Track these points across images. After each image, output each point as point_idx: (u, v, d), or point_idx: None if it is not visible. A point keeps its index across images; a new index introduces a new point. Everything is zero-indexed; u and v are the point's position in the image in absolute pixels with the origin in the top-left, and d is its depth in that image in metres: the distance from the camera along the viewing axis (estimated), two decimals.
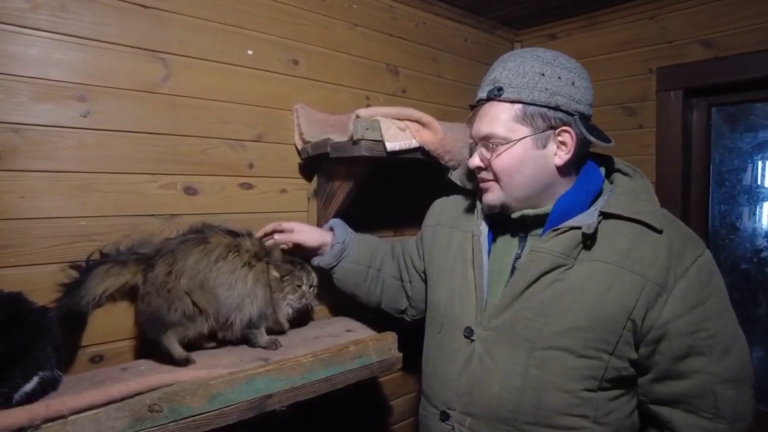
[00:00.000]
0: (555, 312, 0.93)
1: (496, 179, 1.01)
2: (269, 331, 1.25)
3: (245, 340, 1.21)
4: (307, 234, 1.34)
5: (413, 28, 1.88)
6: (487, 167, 1.02)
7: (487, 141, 1.00)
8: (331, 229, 1.38)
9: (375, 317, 1.47)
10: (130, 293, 1.16)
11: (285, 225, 1.34)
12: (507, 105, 0.97)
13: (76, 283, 1.07)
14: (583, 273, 0.94)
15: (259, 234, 1.31)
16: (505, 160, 0.98)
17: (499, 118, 0.98)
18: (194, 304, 1.10)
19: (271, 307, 1.22)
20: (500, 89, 0.97)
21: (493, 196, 1.03)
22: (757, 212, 1.90)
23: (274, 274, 1.22)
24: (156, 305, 1.08)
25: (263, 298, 1.18)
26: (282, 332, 1.28)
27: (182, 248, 1.12)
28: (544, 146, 0.98)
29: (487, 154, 1.01)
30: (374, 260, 1.36)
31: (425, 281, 1.30)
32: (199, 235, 1.16)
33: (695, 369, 0.90)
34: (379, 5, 1.76)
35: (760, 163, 1.89)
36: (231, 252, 1.15)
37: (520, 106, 0.96)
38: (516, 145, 0.97)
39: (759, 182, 1.90)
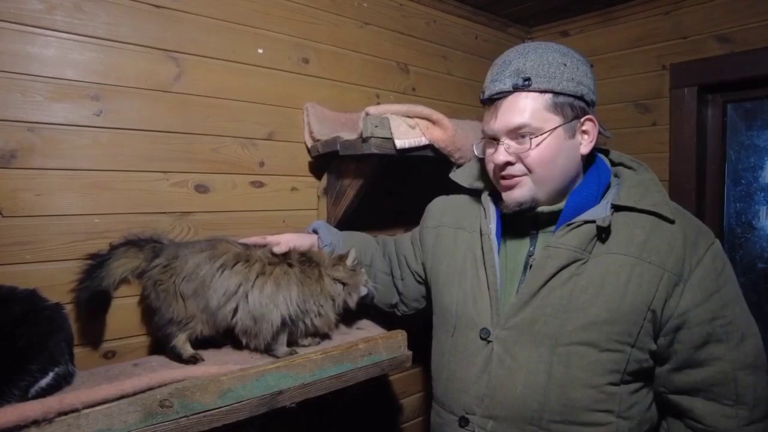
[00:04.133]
0: (576, 307, 0.92)
1: (529, 173, 0.98)
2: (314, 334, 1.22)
3: (267, 349, 1.15)
4: (295, 242, 1.28)
5: (424, 26, 1.87)
6: (517, 162, 0.98)
7: (516, 134, 0.97)
8: (315, 232, 1.36)
9: (384, 316, 1.47)
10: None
11: (270, 239, 1.26)
12: (536, 95, 0.95)
13: (97, 265, 1.08)
14: (601, 267, 0.93)
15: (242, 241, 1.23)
16: (541, 151, 0.95)
17: (530, 109, 0.95)
18: (186, 309, 1.08)
19: (314, 303, 1.16)
20: (528, 79, 0.94)
21: (523, 191, 0.99)
22: None
23: (353, 256, 1.22)
24: (156, 305, 1.09)
25: (297, 296, 1.12)
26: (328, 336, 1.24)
27: (187, 248, 1.12)
28: (573, 135, 0.97)
29: (519, 147, 0.97)
30: (364, 258, 1.34)
31: (421, 282, 1.29)
32: (210, 242, 1.14)
33: (715, 356, 0.90)
34: (390, 3, 1.76)
35: None
36: (240, 262, 1.11)
37: (550, 95, 0.94)
38: (550, 135, 0.95)
39: None
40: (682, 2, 1.86)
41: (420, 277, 1.29)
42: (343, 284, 1.20)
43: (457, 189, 1.22)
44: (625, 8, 2.00)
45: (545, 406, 0.93)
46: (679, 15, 1.87)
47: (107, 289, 1.09)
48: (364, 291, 1.25)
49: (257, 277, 1.11)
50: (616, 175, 1.05)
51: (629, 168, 1.04)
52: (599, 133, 1.00)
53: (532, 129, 0.95)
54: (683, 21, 1.87)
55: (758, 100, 1.85)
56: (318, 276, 1.17)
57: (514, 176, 1.00)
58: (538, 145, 0.95)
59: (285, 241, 1.25)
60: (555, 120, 0.95)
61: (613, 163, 1.08)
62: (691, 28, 1.85)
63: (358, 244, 1.36)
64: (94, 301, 1.10)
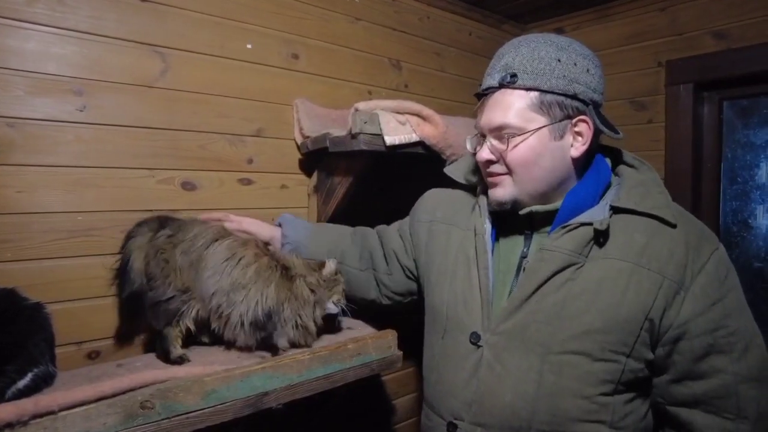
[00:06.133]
0: (570, 314, 0.88)
1: (510, 173, 0.95)
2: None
3: (265, 345, 1.11)
4: (258, 226, 1.26)
5: (417, 22, 1.85)
6: (499, 160, 0.95)
7: (500, 132, 0.93)
8: (280, 225, 1.32)
9: (377, 315, 1.45)
10: None
11: (233, 217, 1.27)
12: (522, 92, 0.90)
13: (123, 273, 1.07)
14: (597, 272, 0.88)
15: (203, 217, 1.22)
16: (521, 151, 0.91)
17: (514, 107, 0.91)
18: (182, 282, 1.07)
19: (290, 310, 1.11)
20: (514, 75, 0.90)
21: (505, 191, 0.96)
22: None
23: (331, 268, 1.17)
24: (154, 273, 1.06)
25: (274, 297, 1.08)
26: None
27: (189, 221, 1.12)
28: (561, 137, 0.91)
29: (500, 146, 0.93)
30: (333, 255, 1.28)
31: (411, 278, 1.24)
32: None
33: (716, 368, 0.86)
34: None
35: None
36: (233, 238, 1.11)
37: (536, 93, 0.90)
38: (532, 135, 0.90)
39: None
40: None
41: (411, 273, 1.24)
42: (314, 293, 1.14)
43: (451, 185, 1.18)
44: (621, 4, 1.98)
45: (534, 416, 0.89)
46: (675, 11, 1.86)
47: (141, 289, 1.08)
48: (334, 309, 1.18)
49: (243, 257, 1.09)
50: (617, 174, 1.00)
51: (631, 166, 0.99)
52: (601, 133, 0.94)
53: (514, 129, 0.91)
54: (679, 17, 1.85)
55: (754, 98, 1.83)
56: (291, 278, 1.13)
57: (496, 174, 0.97)
58: (516, 145, 0.92)
59: (238, 221, 1.24)
60: (539, 120, 0.91)
61: (616, 162, 1.02)
62: (687, 24, 1.83)
63: (327, 240, 1.30)
64: (133, 300, 1.09)
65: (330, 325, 1.24)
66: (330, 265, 1.17)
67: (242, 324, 1.08)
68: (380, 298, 1.32)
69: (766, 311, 1.83)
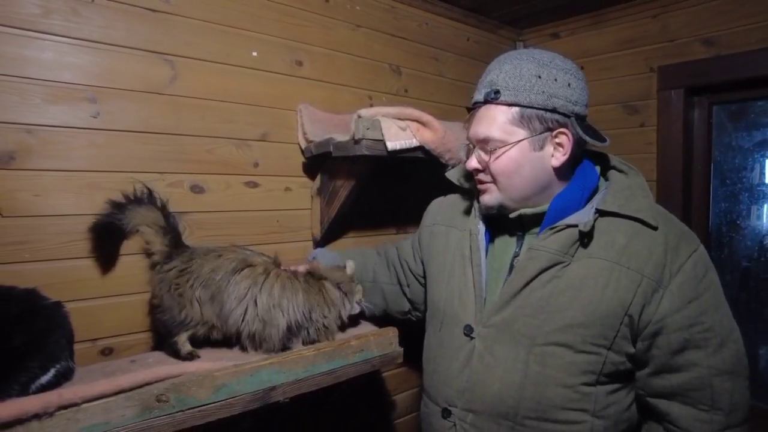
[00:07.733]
0: (554, 309, 0.95)
1: (494, 181, 1.03)
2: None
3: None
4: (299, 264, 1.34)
5: (415, 28, 1.90)
6: (485, 169, 1.03)
7: (484, 144, 1.01)
8: (315, 259, 1.39)
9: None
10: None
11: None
12: (504, 108, 0.98)
13: (131, 201, 1.14)
14: (580, 270, 0.95)
15: None
16: (502, 162, 0.99)
17: (497, 121, 0.98)
18: (202, 314, 1.11)
19: (319, 314, 1.20)
20: (497, 92, 0.97)
21: (491, 197, 1.04)
22: (762, 210, 1.90)
23: (352, 267, 1.27)
24: (168, 305, 1.11)
25: (303, 304, 1.16)
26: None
27: (200, 253, 1.14)
28: (542, 148, 0.98)
29: (485, 157, 1.01)
30: (366, 274, 1.39)
31: (423, 285, 1.32)
32: (218, 247, 1.17)
33: (692, 362, 0.92)
34: (381, 6, 1.78)
35: (762, 161, 1.89)
36: (248, 266, 1.14)
37: (517, 109, 0.97)
38: (513, 147, 0.98)
39: (760, 180, 1.90)
40: (669, 5, 1.89)
41: (422, 278, 1.31)
42: (341, 290, 1.23)
43: (453, 188, 1.25)
44: (615, 11, 2.03)
45: (520, 403, 0.96)
46: (667, 18, 1.91)
47: (125, 227, 1.13)
48: (356, 309, 1.27)
49: (265, 279, 1.13)
50: (607, 179, 1.07)
51: (620, 171, 1.06)
52: (584, 142, 1.00)
53: (497, 141, 0.99)
54: (670, 24, 1.90)
55: (743, 102, 1.89)
56: (320, 286, 1.21)
57: (484, 182, 1.05)
58: (498, 157, 0.99)
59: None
60: (520, 133, 0.98)
61: (607, 167, 1.09)
62: (678, 32, 1.88)
63: (358, 261, 1.38)
64: (106, 229, 1.14)
65: (351, 322, 1.32)
66: (350, 264, 1.27)
67: (280, 334, 1.14)
68: (412, 311, 1.41)
69: (756, 308, 1.88)
